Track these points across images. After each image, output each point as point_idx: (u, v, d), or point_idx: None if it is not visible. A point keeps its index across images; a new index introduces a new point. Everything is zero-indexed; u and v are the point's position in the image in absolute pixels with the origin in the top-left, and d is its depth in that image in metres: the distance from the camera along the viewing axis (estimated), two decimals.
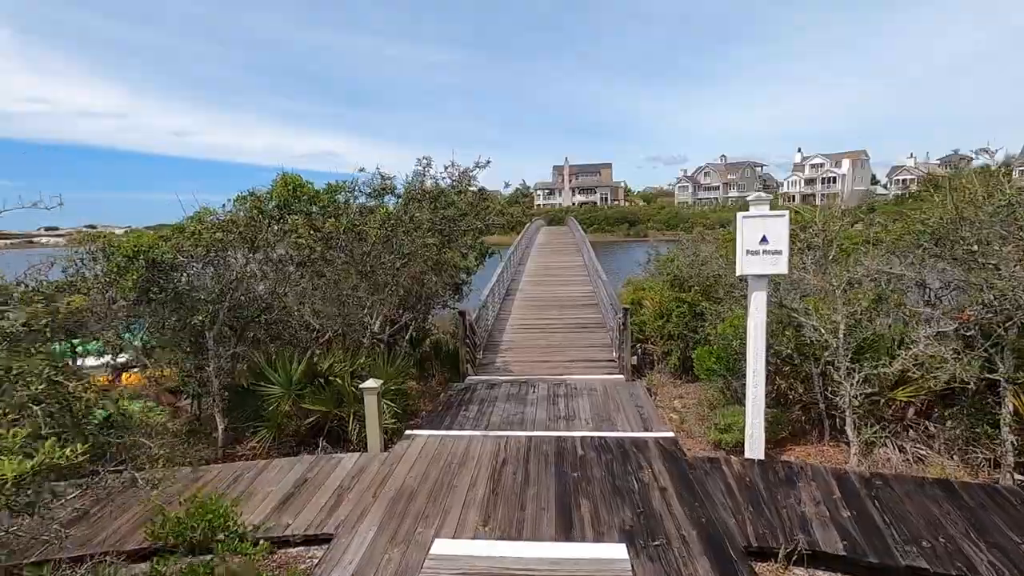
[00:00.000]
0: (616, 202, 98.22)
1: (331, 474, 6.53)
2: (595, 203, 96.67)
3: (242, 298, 7.93)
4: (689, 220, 65.36)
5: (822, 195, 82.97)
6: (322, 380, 7.74)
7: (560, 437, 7.54)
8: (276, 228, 7.48)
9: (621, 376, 10.86)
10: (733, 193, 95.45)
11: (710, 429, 8.04)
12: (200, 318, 6.96)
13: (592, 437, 7.54)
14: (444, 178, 11.75)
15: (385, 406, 7.75)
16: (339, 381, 7.58)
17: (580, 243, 32.35)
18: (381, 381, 7.12)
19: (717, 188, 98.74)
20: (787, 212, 6.50)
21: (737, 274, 6.69)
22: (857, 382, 6.88)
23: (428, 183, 11.44)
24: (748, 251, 6.41)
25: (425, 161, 11.63)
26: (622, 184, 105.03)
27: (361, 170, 10.49)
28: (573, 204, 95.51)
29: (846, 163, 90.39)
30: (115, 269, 6.77)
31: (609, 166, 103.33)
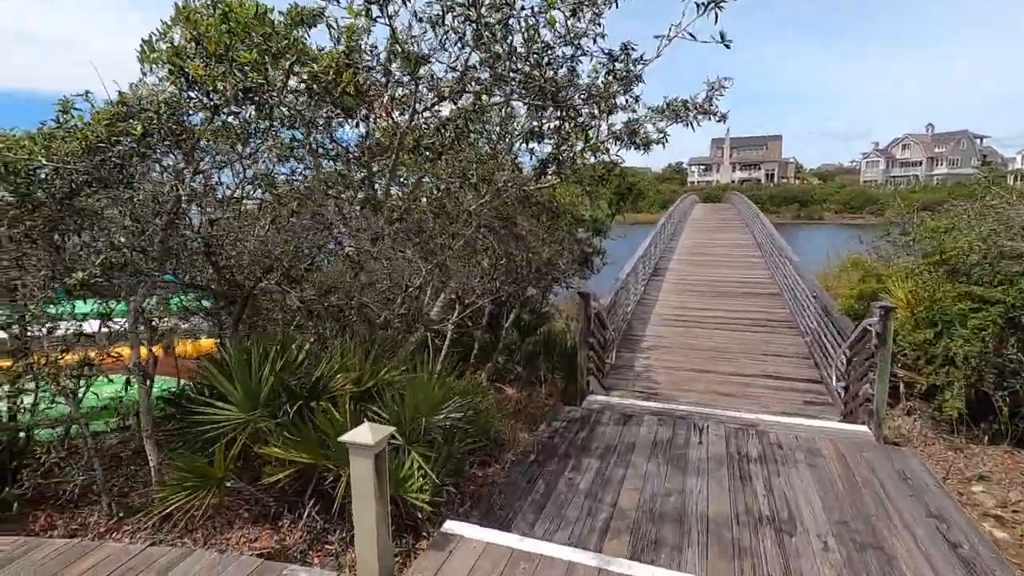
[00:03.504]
0: (784, 179, 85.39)
1: None
2: (759, 180, 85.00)
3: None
4: (880, 201, 54.44)
5: None
6: (311, 403, 4.29)
7: None
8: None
9: (863, 429, 6.05)
10: (941, 170, 77.66)
11: None
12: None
13: None
14: None
15: (417, 465, 4.08)
16: (330, 410, 4.05)
17: (749, 218, 26.18)
18: (388, 430, 3.43)
19: (918, 164, 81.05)
20: None
21: None
22: None
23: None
24: None
25: None
26: (792, 160, 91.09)
27: None
28: (733, 181, 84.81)
29: None
30: None
31: (778, 139, 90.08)
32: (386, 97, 3.74)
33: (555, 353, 9.13)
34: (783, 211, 68.46)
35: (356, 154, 4.30)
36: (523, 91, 3.91)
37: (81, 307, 5.03)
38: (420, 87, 3.75)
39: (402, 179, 5.01)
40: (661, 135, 4.45)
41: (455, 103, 3.95)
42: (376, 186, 4.44)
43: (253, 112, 3.86)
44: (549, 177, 4.90)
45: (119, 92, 3.69)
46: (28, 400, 5.26)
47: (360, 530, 3.50)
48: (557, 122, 4.50)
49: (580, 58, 3.89)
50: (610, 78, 3.93)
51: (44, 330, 4.44)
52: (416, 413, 4.37)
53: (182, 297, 6.51)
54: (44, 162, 3.57)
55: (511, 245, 7.13)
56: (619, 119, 4.47)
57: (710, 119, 4.23)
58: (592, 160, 4.76)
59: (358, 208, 4.25)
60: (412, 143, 4.30)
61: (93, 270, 3.67)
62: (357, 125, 3.96)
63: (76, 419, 4.63)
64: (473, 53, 3.65)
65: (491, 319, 9.43)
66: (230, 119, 4.19)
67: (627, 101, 4.60)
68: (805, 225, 60.91)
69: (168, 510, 3.95)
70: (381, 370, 4.54)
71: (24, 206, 3.99)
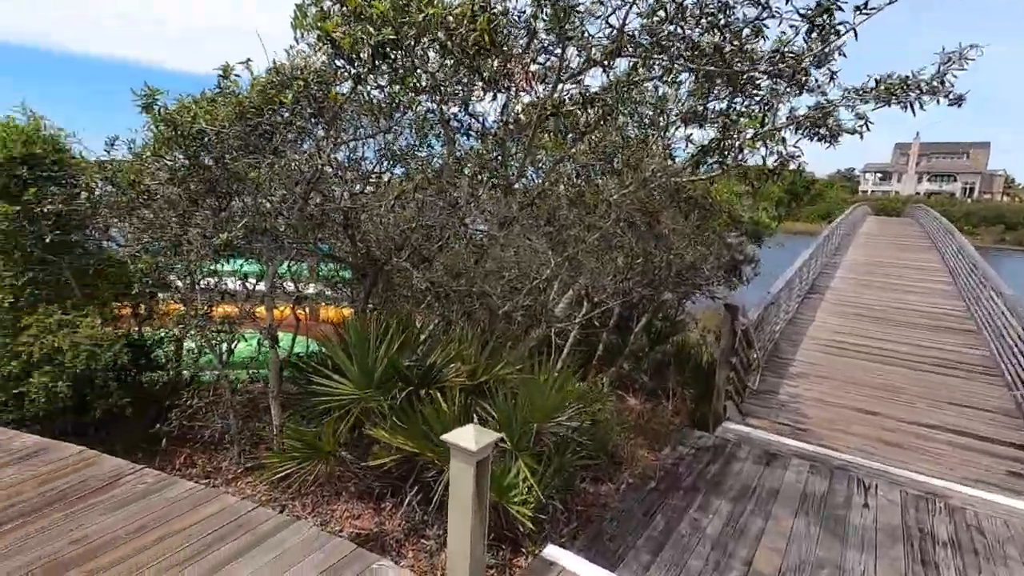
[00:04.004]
0: (987, 195, 71.87)
1: None
2: (952, 194, 72.52)
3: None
4: None
5: None
6: (421, 390, 4.10)
7: None
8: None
9: None
10: None
11: None
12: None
13: None
14: None
15: (523, 475, 3.72)
16: (438, 401, 3.82)
17: (939, 237, 22.25)
18: (494, 436, 3.08)
19: None
20: None
21: None
22: None
23: None
24: None
25: None
26: (1001, 172, 76.27)
27: None
28: (917, 193, 73.29)
29: None
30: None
31: (985, 147, 75.90)
32: (528, 62, 3.36)
33: (687, 367, 8.27)
34: (982, 233, 57.70)
35: (492, 130, 4.01)
36: (689, 61, 3.27)
37: (242, 268, 5.39)
38: (568, 49, 3.30)
39: (539, 162, 4.63)
40: (861, 122, 3.54)
41: (607, 70, 3.44)
42: (509, 167, 4.11)
43: (392, 85, 3.70)
44: (707, 168, 4.19)
45: (273, 61, 3.76)
46: (189, 347, 5.82)
47: (454, 537, 3.22)
48: (725, 103, 3.80)
49: (766, 21, 3.16)
50: (807, 42, 3.15)
51: (201, 284, 4.80)
52: (529, 417, 4.01)
53: (330, 267, 6.82)
54: (205, 126, 3.72)
55: (651, 243, 6.47)
56: (803, 102, 3.64)
57: (938, 101, 3.25)
58: (763, 151, 3.97)
59: (489, 188, 3.95)
60: (553, 120, 3.88)
61: (236, 232, 3.78)
62: (495, 97, 3.64)
63: (219, 370, 4.96)
64: (632, 11, 3.10)
65: (619, 321, 8.82)
66: (374, 92, 4.11)
67: (817, 81, 3.75)
68: (1013, 251, 50.95)
69: (280, 474, 4.02)
70: (497, 365, 4.24)
71: (192, 169, 4.27)
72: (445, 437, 3.05)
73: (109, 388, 4.95)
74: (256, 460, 4.61)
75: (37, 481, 4.13)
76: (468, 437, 3.02)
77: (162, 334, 5.58)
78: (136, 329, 5.64)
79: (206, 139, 3.97)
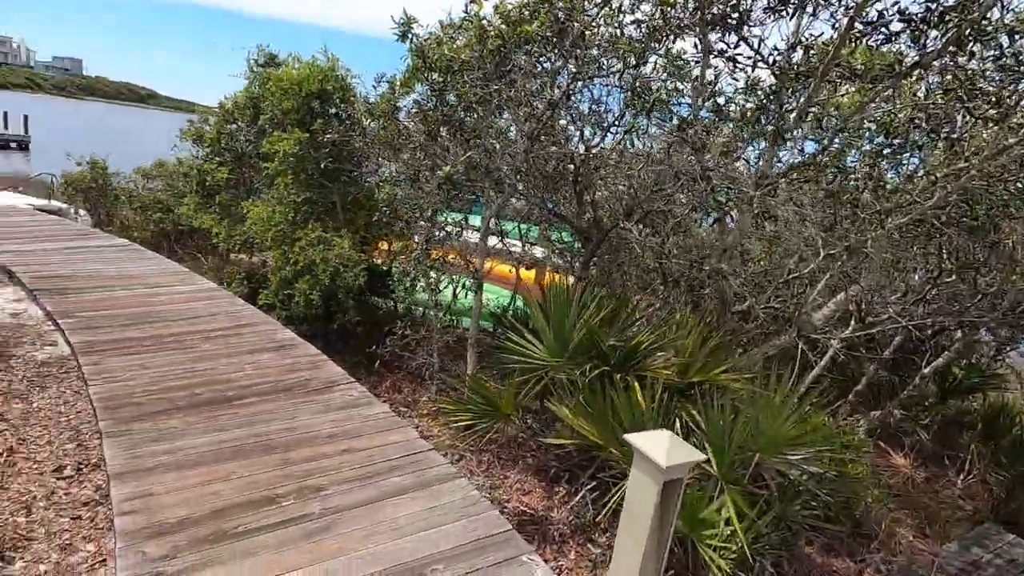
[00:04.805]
0: None
1: None
2: None
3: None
4: None
5: None
6: (618, 373, 3.44)
7: None
8: None
9: None
10: None
11: None
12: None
13: None
14: None
15: (726, 513, 2.84)
16: (635, 391, 3.12)
17: None
18: (696, 456, 2.28)
19: None
20: None
21: None
22: None
23: None
24: None
25: None
26: None
27: None
28: None
29: None
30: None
31: None
32: None
33: (1000, 438, 5.93)
34: None
35: (774, 61, 2.99)
36: None
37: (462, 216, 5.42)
38: None
39: (828, 114, 3.39)
40: None
41: None
42: (785, 114, 3.06)
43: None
44: None
45: None
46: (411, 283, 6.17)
47: (620, 560, 2.58)
48: None
49: None
50: None
51: (422, 222, 4.91)
52: (750, 443, 3.07)
53: (560, 233, 6.57)
54: (447, 53, 3.59)
55: (978, 254, 4.60)
56: None
57: None
58: None
59: (753, 134, 3.02)
60: (859, 56, 2.75)
61: (457, 167, 3.62)
62: (779, 16, 2.68)
63: (432, 308, 5.08)
64: None
65: (899, 353, 6.74)
66: (626, 21, 3.49)
67: None
68: None
69: (458, 423, 3.86)
70: (717, 366, 3.35)
71: (436, 101, 4.29)
72: (629, 437, 2.39)
73: (346, 305, 5.49)
74: (446, 401, 4.59)
75: (279, 370, 4.73)
76: (659, 447, 2.31)
77: (394, 266, 6.01)
78: (377, 257, 6.19)
79: (451, 68, 3.87)
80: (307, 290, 5.48)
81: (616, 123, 4.43)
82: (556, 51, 3.43)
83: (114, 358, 4.62)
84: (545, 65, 3.55)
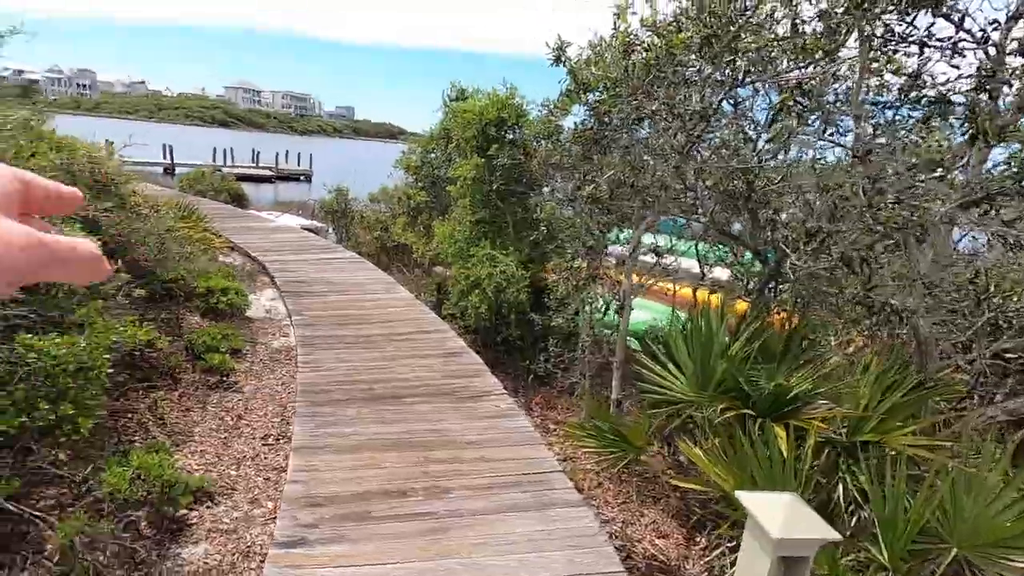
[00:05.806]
0: None
1: None
2: None
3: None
4: None
5: None
6: (765, 417, 2.92)
7: None
8: None
9: None
10: None
11: None
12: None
13: None
14: None
15: None
16: (780, 440, 2.61)
17: None
18: (825, 533, 1.81)
19: None
20: None
21: None
22: None
23: None
24: None
25: None
26: None
27: None
28: None
29: None
30: None
31: None
32: None
33: None
34: None
35: (985, 36, 2.24)
36: None
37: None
38: None
39: None
40: None
41: None
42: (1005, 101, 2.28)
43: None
44: None
45: None
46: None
47: None
48: None
49: None
50: None
51: (580, 245, 4.89)
52: (942, 531, 2.36)
53: (747, 257, 6.00)
54: (595, 72, 3.57)
55: None
56: None
57: None
58: None
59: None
60: None
61: (600, 186, 3.56)
62: None
63: (584, 328, 5.03)
64: None
65: None
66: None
67: None
68: None
69: (585, 449, 3.74)
70: (896, 425, 2.65)
71: (594, 124, 4.28)
72: (740, 495, 2.04)
73: (510, 320, 5.76)
74: (573, 426, 4.49)
75: (443, 375, 5.16)
76: (774, 513, 1.93)
77: (550, 283, 6.12)
78: (546, 275, 6.37)
79: (602, 87, 3.84)
80: (477, 303, 5.91)
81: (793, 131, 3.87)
82: (707, 59, 3.14)
83: (322, 351, 5.57)
84: (695, 77, 3.27)
